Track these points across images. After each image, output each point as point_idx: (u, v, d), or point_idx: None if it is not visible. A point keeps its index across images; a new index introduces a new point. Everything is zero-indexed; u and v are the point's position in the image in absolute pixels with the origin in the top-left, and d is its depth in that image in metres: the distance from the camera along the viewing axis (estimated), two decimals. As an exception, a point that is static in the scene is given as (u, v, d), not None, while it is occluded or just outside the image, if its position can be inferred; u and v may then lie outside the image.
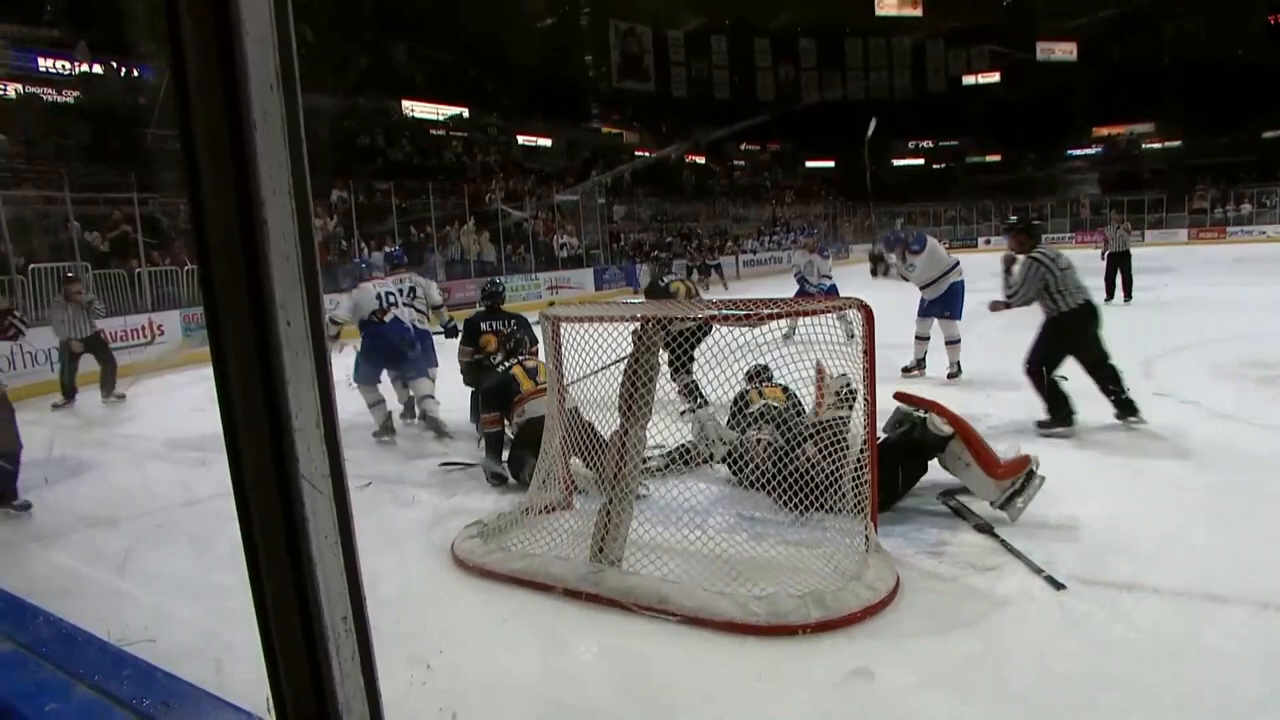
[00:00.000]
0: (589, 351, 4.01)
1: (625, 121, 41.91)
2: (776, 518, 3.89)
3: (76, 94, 20.56)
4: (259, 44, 0.58)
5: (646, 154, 39.88)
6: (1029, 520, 3.82)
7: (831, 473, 3.65)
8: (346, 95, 27.31)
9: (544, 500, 4.27)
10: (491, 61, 35.04)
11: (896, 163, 50.06)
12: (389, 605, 3.10)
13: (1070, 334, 5.56)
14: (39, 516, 4.89)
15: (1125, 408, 5.55)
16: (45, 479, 5.01)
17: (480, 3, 33.05)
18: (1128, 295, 13.01)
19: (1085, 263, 12.76)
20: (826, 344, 3.75)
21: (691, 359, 4.32)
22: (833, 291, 10.02)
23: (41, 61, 20.39)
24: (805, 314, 3.87)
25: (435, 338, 7.22)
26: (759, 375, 5.02)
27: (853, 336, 3.87)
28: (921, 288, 7.71)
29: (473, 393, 6.12)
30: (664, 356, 3.75)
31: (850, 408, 4.05)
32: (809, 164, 48.56)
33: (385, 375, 6.67)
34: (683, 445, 4.69)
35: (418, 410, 6.81)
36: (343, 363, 6.49)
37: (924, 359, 7.74)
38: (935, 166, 50.04)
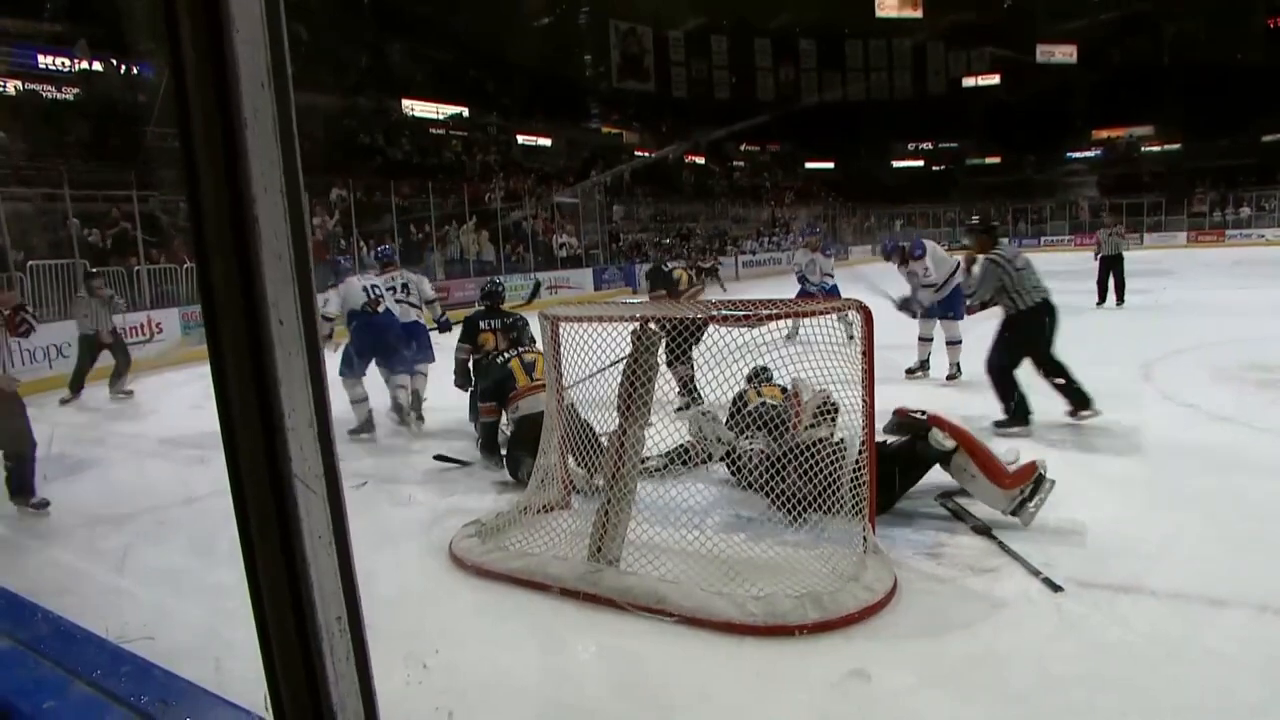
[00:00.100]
0: (588, 351, 4.01)
1: (625, 121, 41.91)
2: (774, 519, 3.89)
3: (76, 91, 20.54)
4: (250, 43, 0.57)
5: (646, 154, 39.89)
6: (1027, 522, 3.82)
7: (822, 488, 3.64)
8: (346, 94, 27.33)
9: (542, 500, 4.27)
10: (491, 61, 35.02)
11: (896, 164, 50.13)
12: (386, 604, 3.09)
13: (1027, 332, 5.66)
14: (26, 513, 4.88)
15: (1078, 399, 5.59)
16: (44, 475, 5.01)
17: (480, 2, 33.06)
18: (1120, 299, 12.88)
19: (1082, 265, 12.84)
20: (828, 345, 3.74)
21: (690, 350, 4.33)
22: (834, 292, 10.02)
23: (41, 59, 20.37)
24: (804, 315, 3.87)
25: (430, 334, 7.25)
26: (758, 376, 5.02)
27: (853, 338, 3.87)
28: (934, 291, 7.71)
29: (470, 392, 6.12)
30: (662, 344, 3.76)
31: (832, 423, 4.03)
32: (808, 165, 48.58)
33: (376, 373, 6.70)
34: (681, 445, 4.69)
35: (405, 403, 6.85)
36: (335, 361, 6.51)
37: (928, 360, 7.74)
38: (935, 168, 50.07)
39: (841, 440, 3.90)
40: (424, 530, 4.29)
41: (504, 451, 5.22)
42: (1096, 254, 13.29)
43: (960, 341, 7.56)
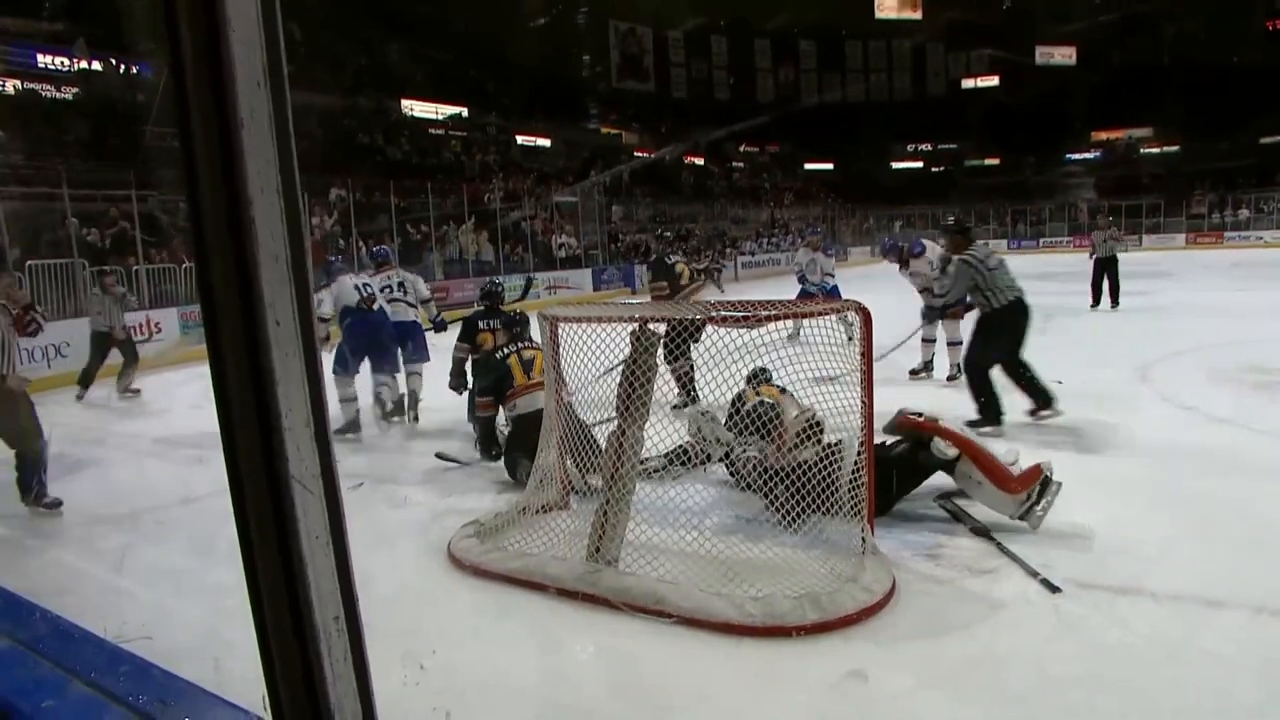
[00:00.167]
0: (587, 352, 4.01)
1: (624, 122, 41.91)
2: (772, 520, 3.90)
3: (75, 91, 20.53)
4: (245, 44, 0.58)
5: (646, 154, 39.89)
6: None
7: (814, 502, 3.64)
8: (345, 94, 27.32)
9: (541, 500, 4.27)
10: (491, 61, 35.04)
11: (895, 165, 50.15)
12: (383, 605, 3.09)
13: (1001, 330, 5.75)
14: (38, 513, 4.88)
15: (1041, 398, 5.69)
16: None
17: (480, 2, 33.05)
18: (1114, 301, 12.75)
19: (1080, 266, 12.84)
20: (829, 345, 3.76)
21: (688, 348, 4.34)
22: (834, 292, 10.03)
23: (40, 58, 20.35)
24: (803, 315, 3.88)
25: (425, 334, 7.28)
26: (757, 377, 5.02)
27: (852, 339, 3.88)
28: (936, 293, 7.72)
29: (469, 391, 6.13)
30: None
31: (817, 442, 4.01)
32: (808, 166, 48.60)
33: (367, 373, 6.76)
34: (681, 446, 4.69)
35: (405, 402, 6.91)
36: (329, 359, 6.52)
37: (931, 361, 7.75)
38: (934, 169, 50.09)
39: (839, 441, 3.90)
40: (422, 530, 4.29)
41: (502, 450, 5.23)
42: (1091, 255, 13.28)
43: (961, 342, 7.55)
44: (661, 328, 3.82)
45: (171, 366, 10.74)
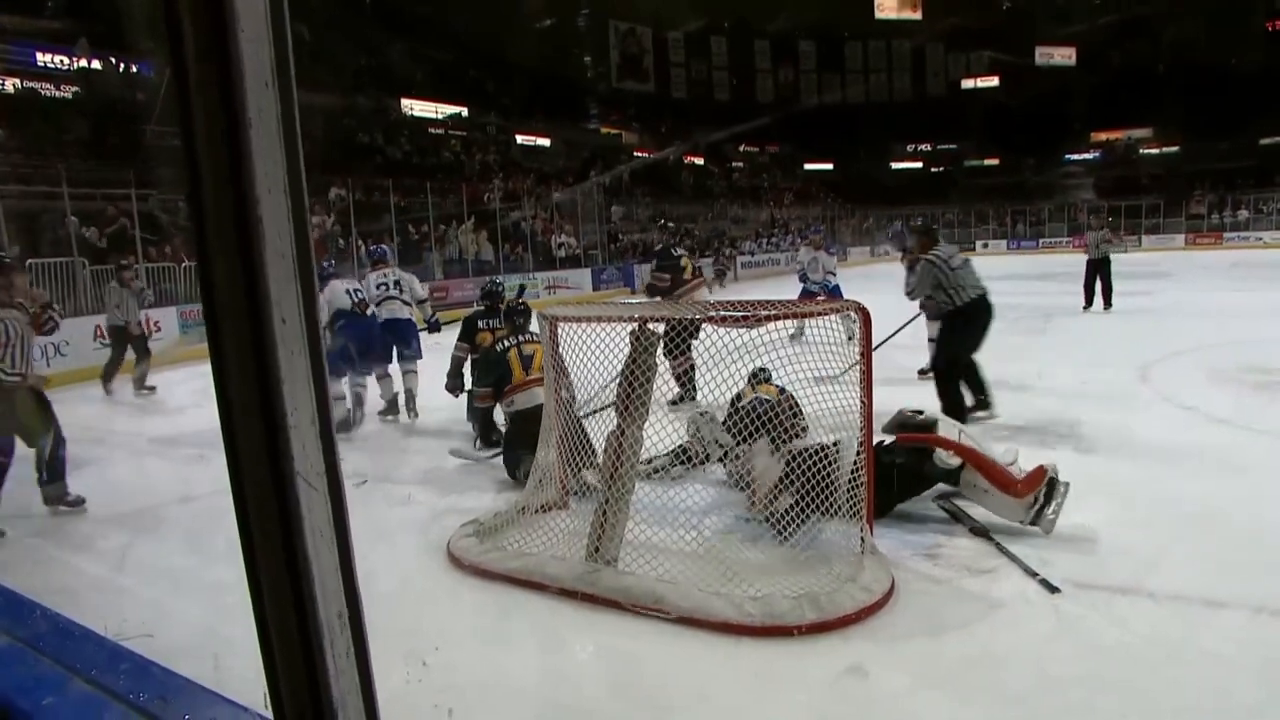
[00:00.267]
0: (586, 351, 4.02)
1: (624, 122, 41.91)
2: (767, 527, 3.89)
3: (75, 89, 20.51)
4: (254, 41, 0.58)
5: (646, 154, 39.89)
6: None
7: (806, 516, 3.64)
8: (345, 93, 27.30)
9: (540, 499, 4.27)
10: (491, 61, 35.03)
11: (895, 166, 50.16)
12: (385, 603, 3.10)
13: (965, 327, 5.93)
14: (38, 512, 4.88)
15: (983, 397, 5.97)
16: (32, 473, 5.00)
17: (480, 2, 33.04)
18: (1107, 303, 12.61)
19: (1079, 267, 12.84)
20: (830, 345, 3.78)
21: (688, 344, 4.35)
22: (836, 291, 10.07)
23: (40, 56, 20.34)
24: (804, 315, 3.89)
25: (420, 333, 7.34)
26: (756, 376, 5.02)
27: (853, 337, 3.88)
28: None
29: (469, 391, 6.14)
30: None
31: (791, 496, 3.96)
32: (807, 166, 48.62)
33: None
34: (681, 445, 4.69)
35: (401, 400, 6.98)
36: None
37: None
38: (934, 170, 50.12)
39: (837, 442, 3.90)
40: (423, 529, 4.30)
41: (502, 436, 5.25)
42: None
43: None
44: (661, 327, 3.83)
45: (171, 365, 10.74)
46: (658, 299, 7.64)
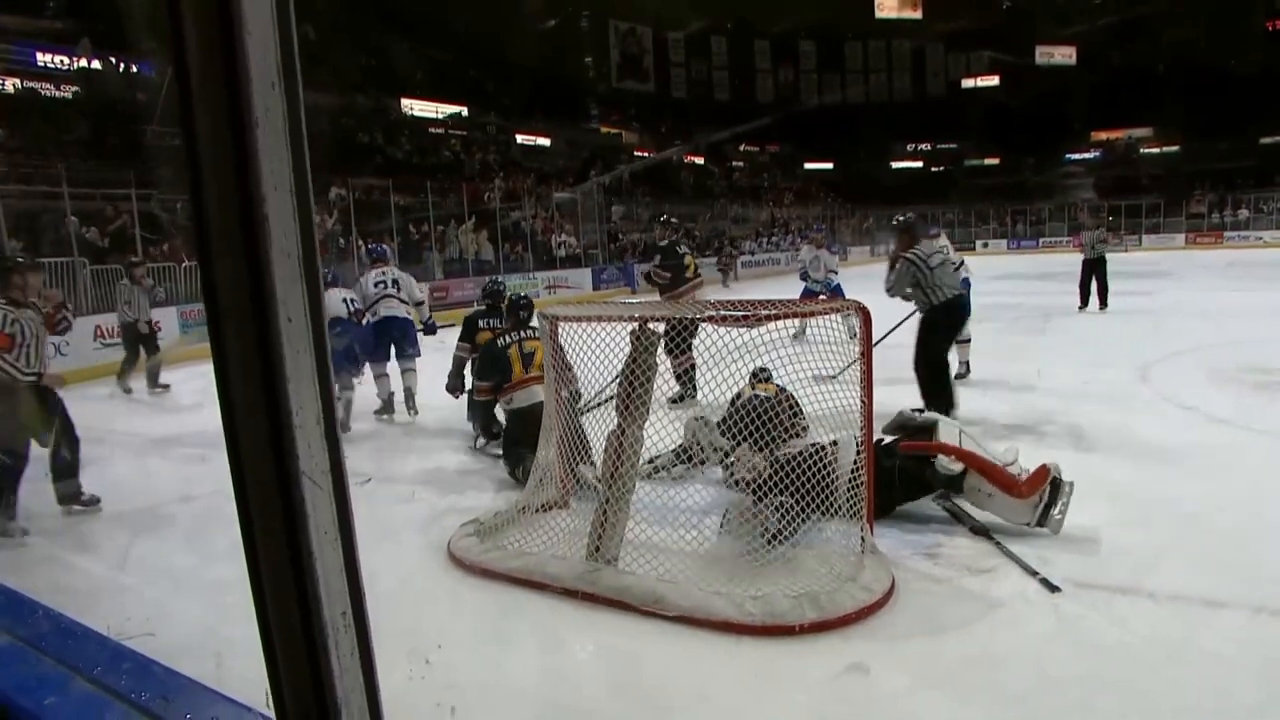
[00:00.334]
0: (587, 351, 4.02)
1: (625, 122, 41.91)
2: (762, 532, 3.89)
3: (75, 89, 20.51)
4: (261, 42, 0.58)
5: (646, 154, 39.89)
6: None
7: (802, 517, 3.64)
8: (346, 93, 27.30)
9: (540, 499, 4.28)
10: (491, 61, 35.03)
11: (895, 165, 50.15)
12: (386, 602, 3.10)
13: (941, 324, 6.06)
14: (40, 511, 4.87)
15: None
16: (46, 473, 5.00)
17: (480, 2, 33.03)
18: (1103, 303, 12.50)
19: (1077, 267, 12.83)
20: (831, 345, 3.79)
21: (689, 342, 4.35)
22: (838, 290, 10.12)
23: (40, 56, 20.33)
24: (802, 315, 3.89)
25: (418, 331, 7.39)
26: (756, 376, 5.02)
27: (854, 336, 3.88)
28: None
29: (469, 390, 6.14)
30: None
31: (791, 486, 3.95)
32: (808, 166, 48.61)
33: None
34: (681, 445, 4.69)
35: (400, 398, 7.03)
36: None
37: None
38: (934, 169, 50.11)
39: (835, 442, 3.91)
40: (421, 528, 4.30)
41: (502, 429, 5.26)
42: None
43: (969, 340, 7.57)
44: (661, 326, 3.83)
45: (171, 365, 10.74)
46: (656, 296, 7.66)
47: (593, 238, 25.14)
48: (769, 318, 3.45)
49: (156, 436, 6.97)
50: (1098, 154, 46.77)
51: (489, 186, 23.61)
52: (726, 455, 4.60)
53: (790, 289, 10.85)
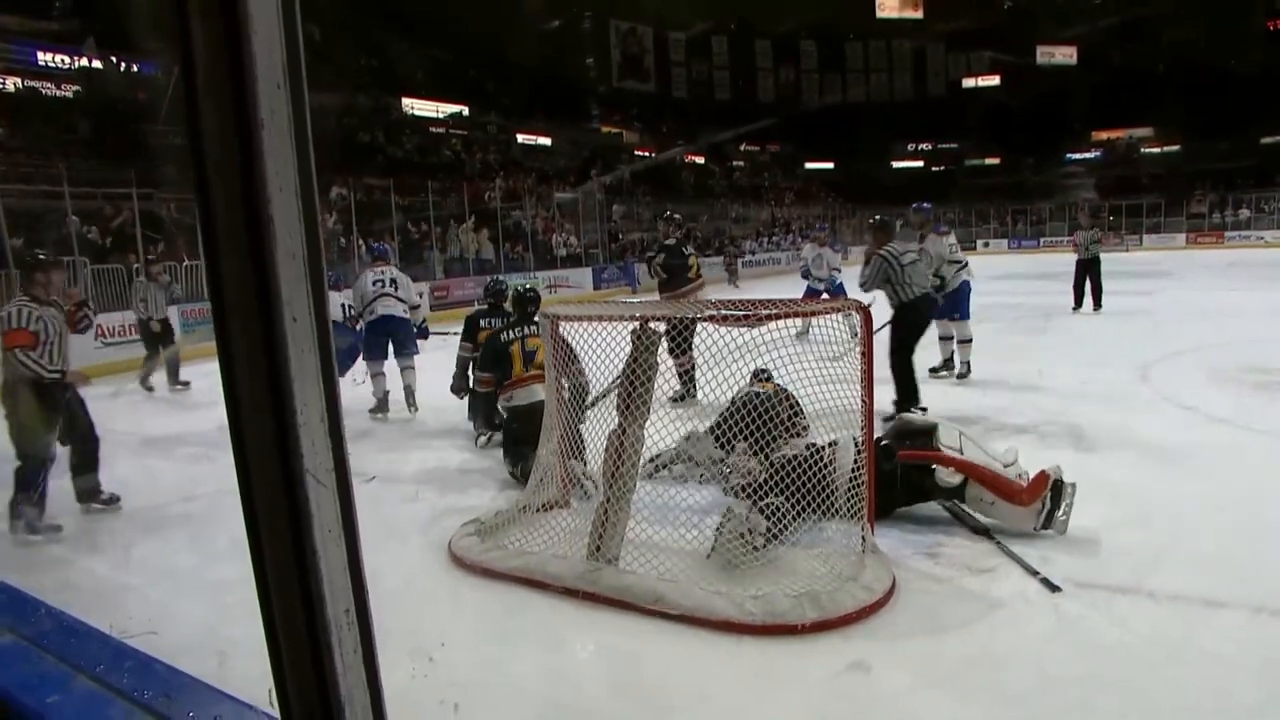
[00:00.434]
0: (587, 351, 4.02)
1: (626, 121, 41.91)
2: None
3: (77, 89, 20.52)
4: (266, 43, 0.58)
5: (646, 154, 39.88)
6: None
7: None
8: (347, 92, 27.31)
9: (541, 498, 4.28)
10: (491, 60, 35.05)
11: (896, 165, 50.12)
12: (388, 601, 3.10)
13: (910, 321, 6.26)
14: (48, 510, 4.88)
15: (911, 396, 6.10)
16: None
17: (482, 2, 33.04)
18: (1096, 303, 12.38)
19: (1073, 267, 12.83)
20: (836, 344, 3.81)
21: (689, 342, 4.36)
22: (840, 288, 10.15)
23: (41, 55, 20.33)
24: (803, 315, 3.89)
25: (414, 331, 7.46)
26: (757, 377, 5.01)
27: (855, 335, 3.89)
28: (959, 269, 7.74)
29: (470, 389, 6.15)
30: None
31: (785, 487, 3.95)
32: (808, 165, 48.59)
33: (357, 374, 7.03)
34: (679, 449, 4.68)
35: (395, 397, 7.09)
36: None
37: (951, 359, 7.74)
38: (934, 169, 50.06)
39: (834, 442, 3.91)
40: (424, 528, 4.30)
41: (502, 421, 5.28)
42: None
43: (970, 340, 7.57)
44: (662, 326, 3.83)
45: (187, 361, 10.74)
46: (657, 295, 7.67)
47: (593, 237, 25.14)
48: (769, 317, 3.45)
49: (159, 435, 6.97)
50: (1098, 154, 46.76)
51: (490, 186, 23.60)
52: (722, 462, 4.59)
53: (793, 288, 10.86)
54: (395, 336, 7.13)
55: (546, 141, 36.19)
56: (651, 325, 3.67)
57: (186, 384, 9.22)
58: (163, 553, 4.27)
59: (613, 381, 3.90)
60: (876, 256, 6.41)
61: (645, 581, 3.28)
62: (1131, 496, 4.25)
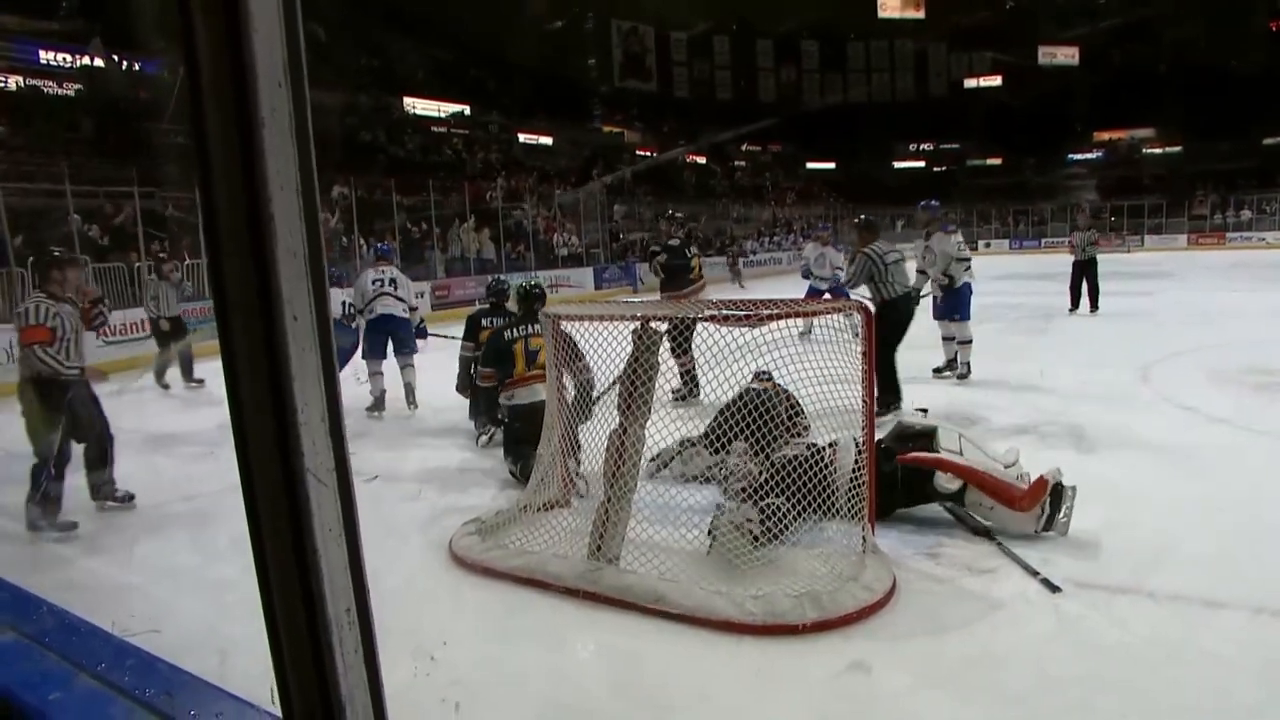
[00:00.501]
0: (589, 350, 4.02)
1: (627, 121, 41.89)
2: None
3: (79, 87, 20.51)
4: (268, 41, 0.58)
5: (648, 154, 39.85)
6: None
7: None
8: (348, 92, 27.31)
9: (542, 498, 4.28)
10: (493, 60, 35.03)
11: (897, 165, 50.09)
12: (389, 600, 3.10)
13: (892, 319, 6.33)
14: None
15: (891, 395, 6.21)
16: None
17: (483, 1, 33.03)
18: (1093, 305, 12.30)
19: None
20: (839, 344, 3.80)
21: (690, 342, 4.36)
22: (843, 289, 10.13)
23: (42, 54, 20.33)
24: (803, 315, 3.89)
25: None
26: (757, 377, 5.01)
27: (857, 335, 3.89)
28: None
29: (471, 389, 6.15)
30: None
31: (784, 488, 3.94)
32: (810, 165, 48.57)
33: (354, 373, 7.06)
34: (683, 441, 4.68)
35: (395, 395, 7.11)
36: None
37: (955, 359, 7.73)
38: (936, 169, 50.01)
39: (833, 443, 3.91)
40: (424, 527, 4.31)
41: (503, 417, 5.28)
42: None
43: (970, 341, 7.57)
44: (663, 326, 3.83)
45: (173, 364, 10.75)
46: (658, 295, 7.68)
47: (594, 237, 25.14)
48: (770, 317, 3.45)
49: (162, 433, 6.97)
50: (1100, 154, 46.72)
51: (491, 185, 23.60)
52: (720, 465, 4.57)
53: (794, 288, 10.86)
54: (395, 335, 7.16)
55: (548, 141, 36.17)
56: (652, 325, 3.67)
57: (201, 381, 9.16)
58: (164, 551, 4.27)
59: (613, 381, 3.90)
60: (861, 255, 6.58)
61: (646, 581, 3.28)
62: (1132, 497, 4.24)
